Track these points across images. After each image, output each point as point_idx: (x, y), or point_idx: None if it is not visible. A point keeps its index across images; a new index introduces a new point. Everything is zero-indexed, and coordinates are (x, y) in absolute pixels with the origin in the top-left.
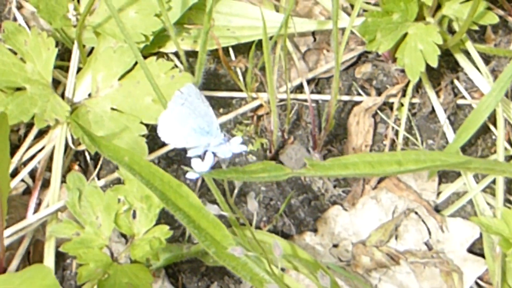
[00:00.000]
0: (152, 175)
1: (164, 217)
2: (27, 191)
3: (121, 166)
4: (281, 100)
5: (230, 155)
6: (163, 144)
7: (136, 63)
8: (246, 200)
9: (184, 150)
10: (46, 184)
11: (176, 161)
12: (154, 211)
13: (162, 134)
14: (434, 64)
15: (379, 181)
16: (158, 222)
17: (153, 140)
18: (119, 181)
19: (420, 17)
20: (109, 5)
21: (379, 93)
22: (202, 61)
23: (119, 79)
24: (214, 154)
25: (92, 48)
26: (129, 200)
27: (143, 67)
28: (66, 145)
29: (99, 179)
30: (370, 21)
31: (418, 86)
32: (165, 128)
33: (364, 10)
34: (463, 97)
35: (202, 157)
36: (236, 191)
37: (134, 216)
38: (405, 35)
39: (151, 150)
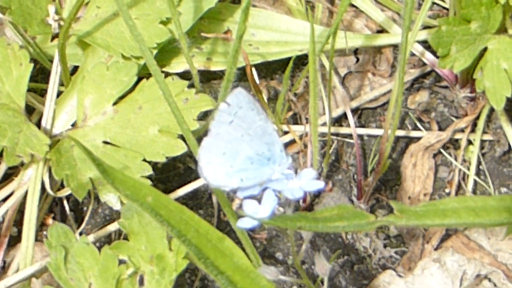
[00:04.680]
0: (185, 224)
1: None
2: None
3: (143, 210)
4: (318, 135)
5: (301, 195)
6: (173, 189)
7: (136, 83)
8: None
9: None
10: (12, 241)
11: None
12: (169, 276)
13: (207, 173)
14: None
15: (443, 240)
16: None
17: (159, 182)
18: (110, 239)
19: (501, 29)
20: None
21: (440, 128)
22: (230, 77)
23: (114, 103)
24: (277, 194)
25: (75, 69)
26: (134, 261)
27: (160, 81)
28: (41, 191)
29: (80, 235)
30: (445, 30)
31: (489, 119)
32: (210, 163)
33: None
34: None
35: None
36: (304, 246)
37: (141, 283)
38: (484, 50)
39: None
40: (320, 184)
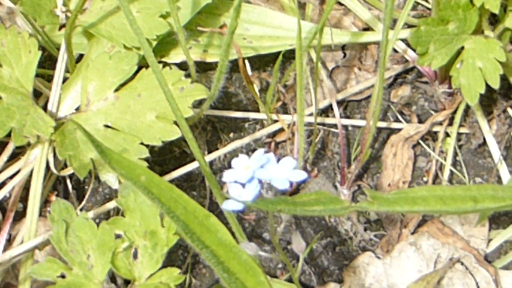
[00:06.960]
0: (174, 202)
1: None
2: None
3: (137, 188)
4: (305, 125)
5: (287, 186)
6: (168, 171)
7: (136, 72)
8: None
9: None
10: (18, 216)
11: (190, 187)
12: (161, 251)
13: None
14: (496, 85)
15: (419, 225)
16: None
17: (155, 165)
18: (108, 215)
19: (477, 30)
20: None
21: (420, 120)
22: (222, 69)
23: (115, 90)
24: (260, 182)
25: (80, 57)
26: (129, 236)
27: (156, 72)
28: (46, 170)
29: (81, 211)
30: (424, 30)
31: (466, 114)
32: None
33: (405, 23)
34: None
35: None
36: (282, 226)
37: (135, 256)
38: (461, 50)
39: None
40: (303, 175)
